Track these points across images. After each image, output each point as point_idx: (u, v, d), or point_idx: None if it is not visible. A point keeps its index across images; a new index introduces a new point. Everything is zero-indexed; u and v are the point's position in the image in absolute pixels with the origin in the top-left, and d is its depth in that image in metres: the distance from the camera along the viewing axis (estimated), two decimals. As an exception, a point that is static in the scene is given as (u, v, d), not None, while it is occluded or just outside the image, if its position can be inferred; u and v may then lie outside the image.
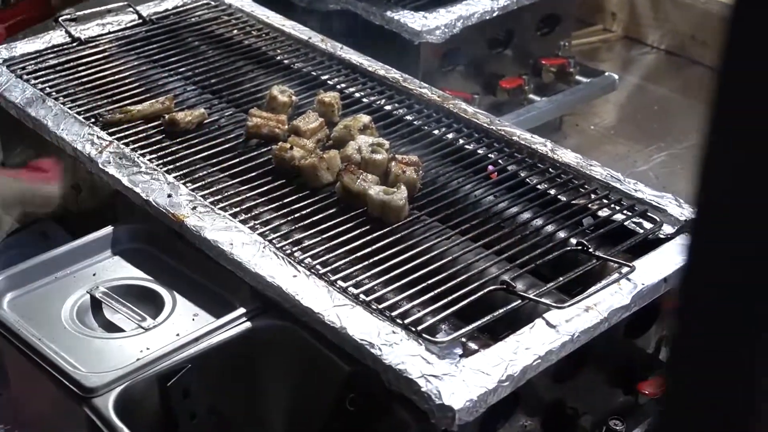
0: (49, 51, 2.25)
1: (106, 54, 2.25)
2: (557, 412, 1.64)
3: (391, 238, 1.69)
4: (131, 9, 2.40)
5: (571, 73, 2.89)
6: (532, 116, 2.74)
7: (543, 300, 1.55)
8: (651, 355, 1.78)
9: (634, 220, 1.77)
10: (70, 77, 2.14)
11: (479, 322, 1.51)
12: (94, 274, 1.75)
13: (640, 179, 2.79)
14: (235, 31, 2.39)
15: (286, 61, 2.26)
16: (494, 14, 2.67)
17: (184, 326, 1.63)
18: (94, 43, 2.29)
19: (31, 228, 2.09)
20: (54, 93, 2.09)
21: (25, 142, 2.15)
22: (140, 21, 2.39)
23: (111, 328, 1.65)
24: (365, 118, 1.93)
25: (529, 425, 1.58)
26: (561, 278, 1.61)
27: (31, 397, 1.63)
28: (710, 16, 3.28)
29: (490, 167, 1.93)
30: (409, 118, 2.06)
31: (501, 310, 1.53)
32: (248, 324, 1.60)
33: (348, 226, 1.71)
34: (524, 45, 2.88)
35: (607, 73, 2.99)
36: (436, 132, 2.02)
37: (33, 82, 2.11)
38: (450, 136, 2.00)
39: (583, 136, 3.04)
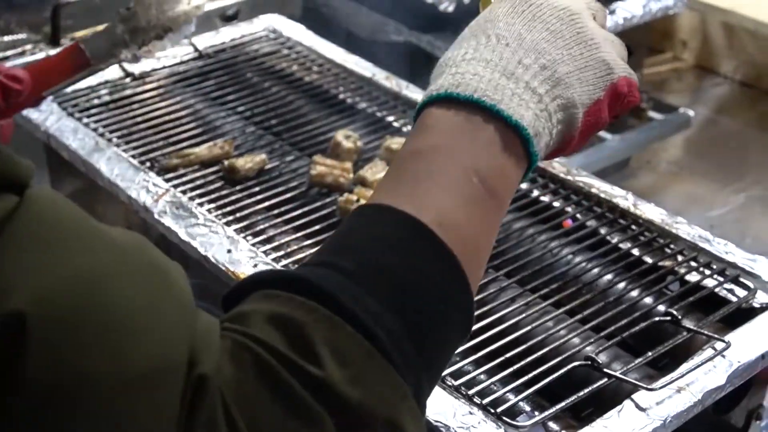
0: (101, 86, 2.15)
1: (161, 90, 2.16)
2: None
3: (465, 303, 1.57)
4: (186, 41, 2.29)
5: (644, 108, 2.76)
6: (603, 156, 2.61)
7: (631, 380, 1.43)
8: (740, 430, 1.65)
9: (726, 286, 1.65)
10: (124, 116, 2.05)
11: (563, 404, 1.39)
12: (148, 335, 1.65)
13: (718, 224, 2.69)
14: (295, 67, 2.29)
15: (349, 101, 2.16)
16: (565, 49, 2.54)
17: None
18: (148, 78, 2.19)
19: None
20: (107, 133, 1.99)
21: (75, 183, 2.06)
22: (196, 54, 2.29)
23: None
24: (435, 168, 1.82)
25: None
26: (650, 353, 1.49)
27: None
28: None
29: (568, 221, 1.81)
30: (479, 165, 1.95)
31: (586, 390, 1.41)
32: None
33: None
34: (594, 79, 2.74)
35: (681, 110, 2.85)
36: (508, 181, 1.90)
37: (85, 120, 2.02)
38: (523, 186, 1.89)
39: (653, 174, 2.90)
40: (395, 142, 1.89)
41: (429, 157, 0.79)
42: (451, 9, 2.50)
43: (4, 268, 0.61)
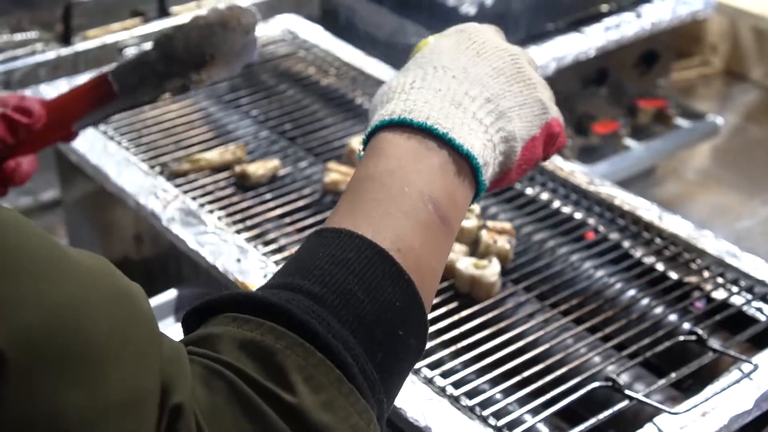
0: (113, 87, 2.10)
1: (173, 92, 2.11)
2: None
3: (481, 319, 1.52)
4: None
5: (670, 115, 2.69)
6: (628, 164, 2.55)
7: (654, 403, 1.37)
8: (767, 454, 1.59)
9: (754, 304, 1.58)
10: (133, 118, 2.00)
11: (582, 427, 1.33)
12: (154, 346, 1.60)
13: (746, 236, 2.62)
14: (312, 69, 2.23)
15: (366, 105, 2.10)
16: (590, 55, 2.48)
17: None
18: (161, 79, 2.14)
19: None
20: (117, 136, 1.95)
21: (85, 188, 2.02)
22: (210, 55, 2.24)
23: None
24: (452, 176, 1.76)
25: None
26: (673, 374, 1.43)
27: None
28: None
29: (591, 233, 1.75)
30: (498, 174, 1.89)
31: (607, 413, 1.35)
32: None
33: (433, 302, 1.54)
34: (619, 84, 2.69)
35: (709, 117, 2.78)
36: (529, 191, 1.84)
37: (95, 123, 1.97)
38: (545, 197, 1.83)
39: (679, 183, 2.83)
40: (412, 149, 1.84)
41: (385, 181, 0.82)
42: (472, 11, 2.44)
43: None
